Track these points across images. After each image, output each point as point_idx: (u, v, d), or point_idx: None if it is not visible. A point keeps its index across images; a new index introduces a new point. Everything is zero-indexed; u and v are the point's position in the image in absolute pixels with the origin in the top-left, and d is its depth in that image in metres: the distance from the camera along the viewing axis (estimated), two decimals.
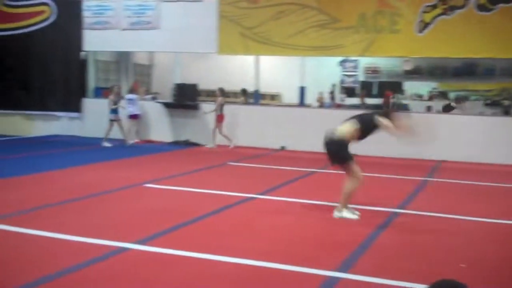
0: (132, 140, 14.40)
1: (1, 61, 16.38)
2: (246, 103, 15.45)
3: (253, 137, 14.35)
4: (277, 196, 8.01)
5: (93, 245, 5.33)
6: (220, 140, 14.16)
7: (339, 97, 18.13)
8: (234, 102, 15.64)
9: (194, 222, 6.36)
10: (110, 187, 8.33)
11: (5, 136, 15.72)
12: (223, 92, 14.27)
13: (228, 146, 14.06)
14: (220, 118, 14.10)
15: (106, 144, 13.95)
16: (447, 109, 14.67)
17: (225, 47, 14.53)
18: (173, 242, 5.51)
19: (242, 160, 11.89)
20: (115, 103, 14.15)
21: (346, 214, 6.73)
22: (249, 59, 15.55)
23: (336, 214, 6.76)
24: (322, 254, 5.31)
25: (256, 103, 15.50)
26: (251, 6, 14.20)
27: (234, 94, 19.11)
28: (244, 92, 15.55)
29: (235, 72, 18.47)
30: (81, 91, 16.00)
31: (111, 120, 14.15)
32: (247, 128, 14.46)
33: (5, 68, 16.36)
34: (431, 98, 17.83)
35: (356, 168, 6.68)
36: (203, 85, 16.45)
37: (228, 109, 14.34)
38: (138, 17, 15.11)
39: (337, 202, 6.84)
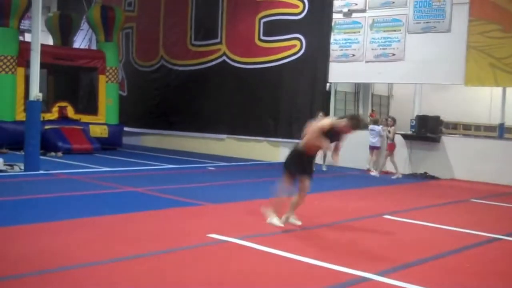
0: (375, 171, 14.74)
1: (256, 91, 17.80)
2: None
3: (494, 173, 13.52)
4: None
5: (335, 271, 5.56)
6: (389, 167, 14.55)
7: None
8: (477, 136, 14.98)
9: (434, 259, 6.27)
10: (352, 216, 8.67)
11: (251, 160, 17.14)
12: (395, 122, 14.52)
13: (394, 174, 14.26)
14: (391, 147, 14.29)
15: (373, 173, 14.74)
16: None
17: (472, 78, 13.98)
18: (412, 276, 5.48)
19: (487, 198, 11.26)
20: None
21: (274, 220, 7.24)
22: (495, 90, 14.77)
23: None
24: None
25: (500, 137, 14.62)
26: (505, 35, 13.43)
27: (477, 127, 18.19)
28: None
29: (478, 104, 17.64)
30: None
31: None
32: (488, 163, 13.67)
33: (258, 98, 17.74)
34: None
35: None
36: (444, 117, 16.04)
37: (469, 143, 14.15)
38: (383, 49, 15.34)
39: None
